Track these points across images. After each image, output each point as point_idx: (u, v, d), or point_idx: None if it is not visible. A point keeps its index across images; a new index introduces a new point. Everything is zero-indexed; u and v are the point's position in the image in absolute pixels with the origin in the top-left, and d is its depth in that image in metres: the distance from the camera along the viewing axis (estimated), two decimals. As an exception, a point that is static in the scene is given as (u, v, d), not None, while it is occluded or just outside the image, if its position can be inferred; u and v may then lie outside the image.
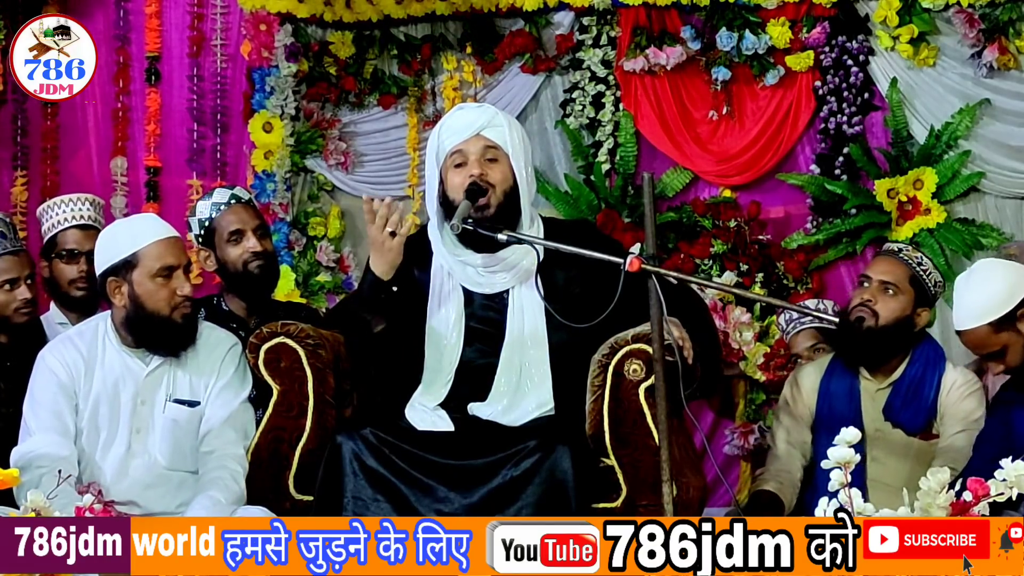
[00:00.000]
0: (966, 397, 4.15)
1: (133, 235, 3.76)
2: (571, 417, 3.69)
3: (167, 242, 3.74)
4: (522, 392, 3.74)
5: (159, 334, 3.72)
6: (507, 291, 3.80)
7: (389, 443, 3.58)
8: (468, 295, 3.82)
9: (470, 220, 3.65)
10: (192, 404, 3.75)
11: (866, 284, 4.19)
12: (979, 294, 3.92)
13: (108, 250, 3.75)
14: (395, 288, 3.73)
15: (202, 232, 4.25)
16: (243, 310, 4.28)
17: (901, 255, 4.21)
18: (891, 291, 4.14)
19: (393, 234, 3.65)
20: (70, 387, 3.71)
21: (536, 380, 3.74)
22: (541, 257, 3.77)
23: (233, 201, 4.25)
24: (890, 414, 4.15)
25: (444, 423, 3.71)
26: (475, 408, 3.73)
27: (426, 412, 3.75)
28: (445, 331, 3.80)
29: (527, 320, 3.77)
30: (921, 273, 4.18)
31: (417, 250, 3.89)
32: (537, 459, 3.50)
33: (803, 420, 4.30)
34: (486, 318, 3.80)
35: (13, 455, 3.62)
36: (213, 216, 4.24)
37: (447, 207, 3.75)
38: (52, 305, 4.56)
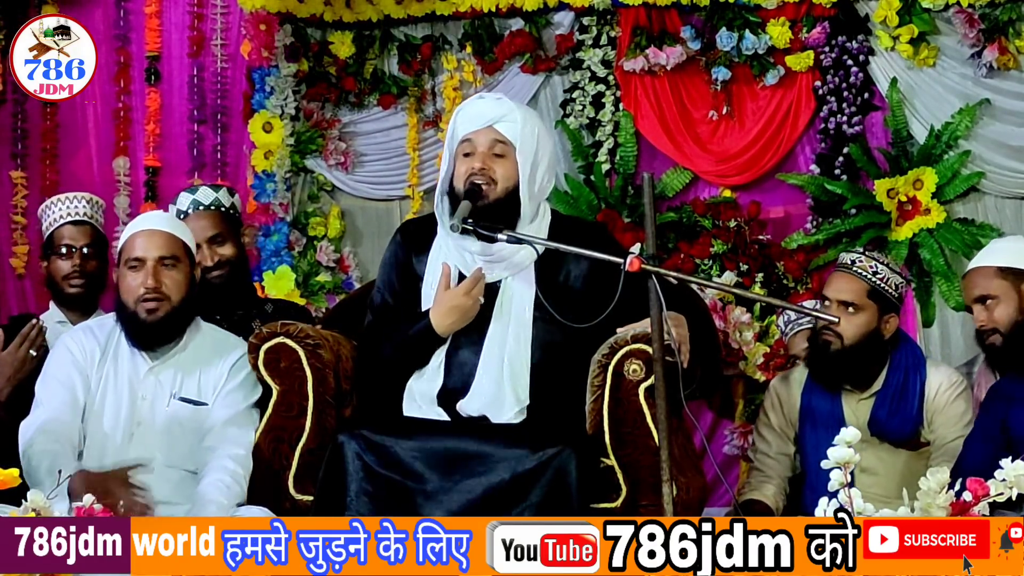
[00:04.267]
0: (954, 399, 4.12)
1: (127, 229, 3.88)
2: (554, 415, 3.69)
3: (140, 234, 3.82)
4: (502, 388, 3.72)
5: (131, 327, 3.79)
6: (499, 285, 3.80)
7: (392, 443, 3.58)
8: (461, 283, 3.82)
9: (470, 220, 3.66)
10: (198, 404, 3.78)
11: (827, 304, 4.15)
12: (1001, 244, 4.09)
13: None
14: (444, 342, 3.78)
15: None
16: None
17: (855, 269, 4.14)
18: (851, 309, 4.10)
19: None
20: (84, 367, 3.77)
21: (516, 377, 3.72)
22: (539, 253, 3.76)
23: (191, 209, 4.29)
24: (875, 427, 4.10)
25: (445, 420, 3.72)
26: (461, 405, 3.73)
27: (425, 411, 3.75)
28: None
29: (513, 316, 3.76)
30: (878, 283, 4.12)
31: (417, 236, 3.92)
32: (543, 459, 3.51)
33: (784, 433, 4.28)
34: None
35: (22, 427, 3.67)
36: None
37: (452, 196, 3.76)
38: (52, 304, 4.57)
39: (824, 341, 4.12)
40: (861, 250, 4.33)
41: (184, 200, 4.34)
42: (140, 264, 3.77)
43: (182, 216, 4.28)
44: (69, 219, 4.49)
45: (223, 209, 4.37)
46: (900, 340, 4.22)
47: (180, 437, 3.75)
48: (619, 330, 3.69)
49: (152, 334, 3.78)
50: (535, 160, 3.76)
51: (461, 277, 3.81)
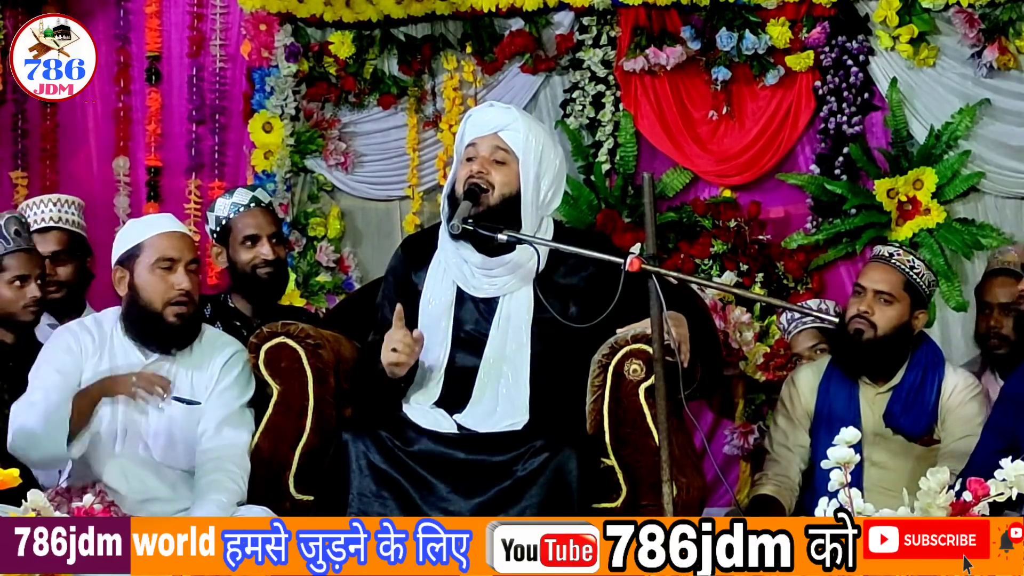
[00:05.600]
0: (968, 401, 4.15)
1: (141, 228, 3.83)
2: (554, 418, 3.69)
3: (170, 235, 3.79)
4: (498, 403, 3.73)
5: (151, 328, 3.75)
6: (498, 299, 3.80)
7: (397, 443, 3.59)
8: (460, 297, 3.82)
9: (470, 220, 3.66)
10: (191, 403, 3.76)
11: (861, 294, 4.18)
12: None
13: (119, 243, 3.82)
14: (403, 385, 3.79)
15: (217, 229, 4.29)
16: (249, 310, 4.30)
17: (893, 261, 4.19)
18: (886, 300, 4.14)
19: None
20: (78, 357, 3.73)
21: (513, 393, 3.73)
22: (543, 264, 3.77)
23: (253, 204, 4.29)
24: (890, 420, 4.15)
25: (447, 423, 3.72)
26: (458, 419, 3.74)
27: (425, 411, 3.75)
28: (435, 330, 3.81)
29: (511, 332, 3.77)
30: (915, 278, 4.17)
31: (417, 250, 3.92)
32: (544, 459, 3.51)
33: (801, 424, 4.30)
34: (474, 324, 3.80)
35: (13, 408, 3.65)
36: (231, 216, 4.28)
37: (452, 200, 3.77)
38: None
39: (856, 329, 4.14)
40: (898, 244, 4.38)
41: (242, 195, 4.30)
42: (172, 265, 3.74)
43: (239, 209, 4.28)
44: (34, 227, 4.37)
45: (275, 213, 4.42)
46: (922, 339, 4.27)
47: (176, 436, 3.74)
48: (619, 330, 3.69)
49: (178, 336, 3.76)
50: (537, 172, 3.78)
51: (460, 292, 3.82)
